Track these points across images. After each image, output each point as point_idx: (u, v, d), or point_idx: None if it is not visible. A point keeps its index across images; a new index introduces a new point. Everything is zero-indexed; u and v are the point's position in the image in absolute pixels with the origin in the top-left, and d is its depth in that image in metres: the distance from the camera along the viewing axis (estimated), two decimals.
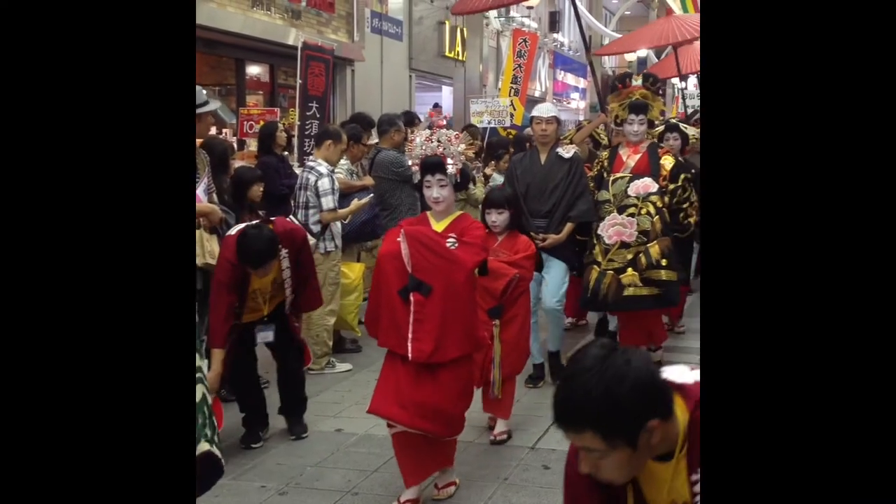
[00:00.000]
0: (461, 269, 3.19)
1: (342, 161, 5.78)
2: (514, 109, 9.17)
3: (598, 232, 4.99)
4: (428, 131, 3.43)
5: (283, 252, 3.90)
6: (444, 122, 3.82)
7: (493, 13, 14.80)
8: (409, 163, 3.45)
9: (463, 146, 3.40)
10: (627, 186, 5.01)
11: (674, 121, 7.27)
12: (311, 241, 5.13)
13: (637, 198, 4.95)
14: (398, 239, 3.18)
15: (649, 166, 5.09)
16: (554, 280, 4.92)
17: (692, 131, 6.96)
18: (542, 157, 5.01)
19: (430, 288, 3.12)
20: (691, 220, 5.28)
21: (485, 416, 4.25)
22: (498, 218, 4.17)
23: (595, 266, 4.98)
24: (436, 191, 3.33)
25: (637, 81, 5.21)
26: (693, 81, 17.52)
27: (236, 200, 4.85)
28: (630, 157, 5.16)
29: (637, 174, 5.06)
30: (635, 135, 5.15)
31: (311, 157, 5.57)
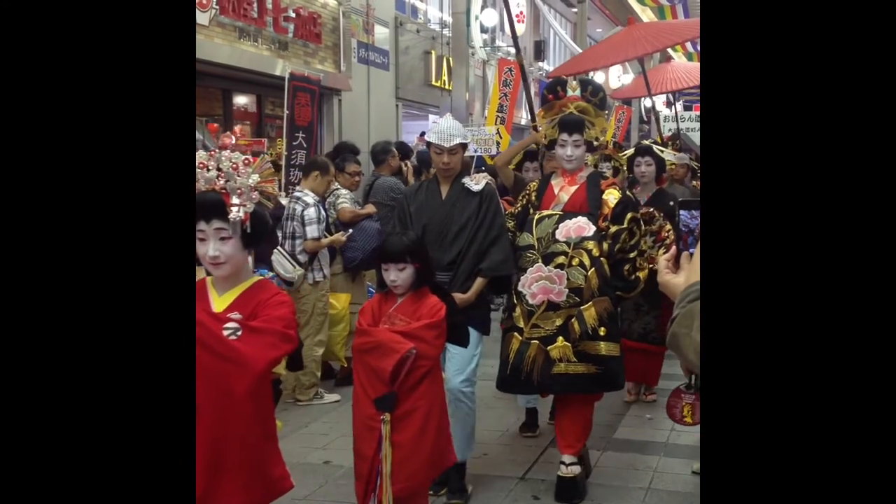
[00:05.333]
0: (245, 373, 2.07)
1: (343, 191, 5.83)
2: (501, 138, 9.22)
3: (519, 288, 3.72)
4: (202, 153, 2.30)
5: None
6: (232, 140, 2.36)
7: (478, 43, 14.90)
8: None
9: (256, 177, 2.30)
10: (555, 228, 3.73)
11: (646, 142, 6.05)
12: (299, 271, 5.14)
13: (567, 243, 3.68)
14: None
15: (587, 202, 3.81)
16: (459, 357, 3.66)
17: (670, 155, 5.90)
18: (444, 191, 3.79)
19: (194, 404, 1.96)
20: (640, 274, 3.82)
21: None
22: (399, 276, 3.01)
23: (515, 333, 3.73)
24: (213, 246, 2.23)
25: (574, 91, 3.96)
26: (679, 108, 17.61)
27: None
28: (563, 190, 3.87)
29: (569, 212, 3.78)
30: (569, 160, 3.83)
31: (297, 188, 5.59)
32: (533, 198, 3.93)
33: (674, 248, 1.63)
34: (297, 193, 5.38)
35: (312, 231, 5.16)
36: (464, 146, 3.79)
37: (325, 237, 5.26)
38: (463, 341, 3.27)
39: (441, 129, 3.75)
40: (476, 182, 3.78)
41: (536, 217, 3.81)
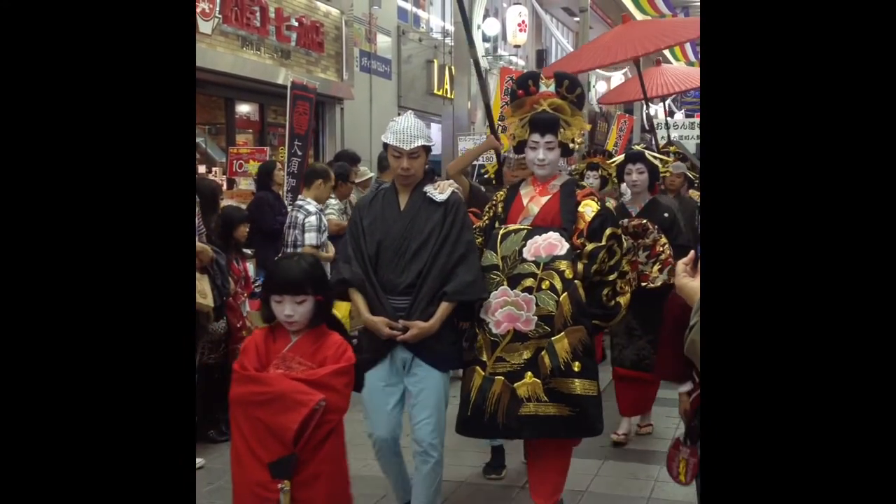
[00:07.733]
0: None
1: (332, 200, 5.83)
2: (502, 147, 9.23)
3: (482, 315, 3.20)
4: None
5: None
6: None
7: (480, 52, 14.94)
8: None
9: None
10: (523, 245, 3.19)
11: (638, 147, 5.47)
12: None
13: (536, 263, 3.16)
14: None
15: (560, 214, 3.29)
16: (425, 401, 3.12)
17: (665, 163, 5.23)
18: (402, 201, 3.22)
19: None
20: (621, 299, 3.31)
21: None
22: (296, 310, 2.51)
23: (478, 368, 3.20)
24: None
25: (548, 86, 3.41)
26: (681, 115, 17.57)
27: (223, 240, 4.86)
28: (533, 201, 3.35)
29: (539, 227, 3.25)
30: (541, 165, 3.32)
31: (300, 197, 5.61)
32: (500, 210, 3.39)
33: (692, 252, 1.63)
34: (299, 202, 5.40)
35: (311, 238, 5.17)
36: (427, 149, 3.19)
37: (328, 245, 5.29)
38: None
39: (400, 128, 3.14)
40: (440, 190, 3.19)
41: (502, 232, 3.26)
